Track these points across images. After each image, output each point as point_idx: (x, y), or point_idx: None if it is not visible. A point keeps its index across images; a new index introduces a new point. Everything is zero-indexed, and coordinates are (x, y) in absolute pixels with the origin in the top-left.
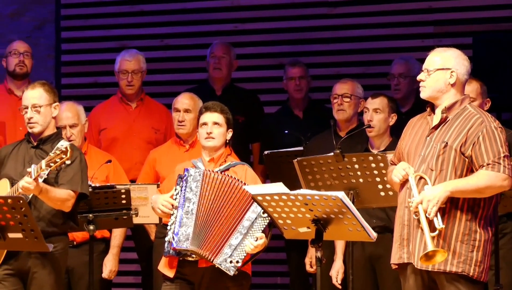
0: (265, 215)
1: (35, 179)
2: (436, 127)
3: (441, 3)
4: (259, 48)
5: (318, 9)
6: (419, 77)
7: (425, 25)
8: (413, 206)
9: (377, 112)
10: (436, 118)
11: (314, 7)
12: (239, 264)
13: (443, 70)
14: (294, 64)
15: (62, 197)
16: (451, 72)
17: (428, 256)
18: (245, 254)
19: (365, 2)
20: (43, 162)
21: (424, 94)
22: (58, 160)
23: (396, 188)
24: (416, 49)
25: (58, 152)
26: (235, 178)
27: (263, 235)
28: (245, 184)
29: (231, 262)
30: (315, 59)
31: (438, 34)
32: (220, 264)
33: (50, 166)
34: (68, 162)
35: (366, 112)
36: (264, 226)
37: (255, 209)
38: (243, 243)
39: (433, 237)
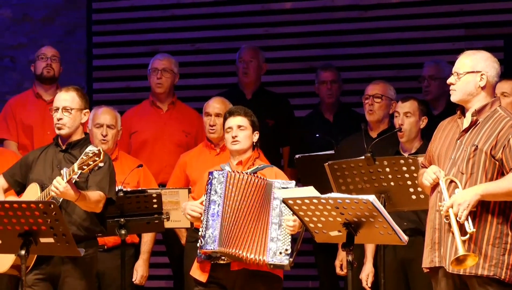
0: None
1: (68, 182)
2: (466, 130)
3: (472, 6)
4: (289, 52)
5: (349, 12)
6: (449, 81)
7: (456, 28)
8: (443, 210)
9: (407, 116)
10: (466, 121)
11: (345, 11)
12: (289, 252)
13: (473, 73)
14: (326, 68)
15: (96, 199)
16: (481, 74)
17: (459, 260)
18: (289, 240)
19: (396, 5)
20: (75, 165)
21: (454, 98)
22: (91, 162)
23: (427, 191)
24: (447, 52)
25: (91, 154)
26: (258, 176)
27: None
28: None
29: (280, 253)
30: (346, 62)
31: (469, 37)
32: (272, 260)
33: (83, 169)
34: (101, 164)
35: (396, 116)
36: None
37: (276, 195)
38: (282, 230)
39: (464, 241)
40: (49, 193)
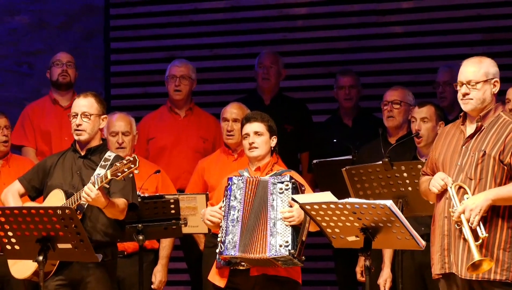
0: (282, 191)
1: (99, 189)
2: (471, 136)
3: (490, 10)
4: (308, 57)
5: (367, 17)
6: (463, 91)
7: (474, 33)
8: (455, 216)
9: (424, 121)
10: (470, 127)
11: (363, 16)
12: (289, 244)
13: (488, 81)
14: (344, 73)
15: (122, 206)
16: (495, 81)
17: (475, 266)
18: (290, 232)
19: (414, 10)
20: (108, 172)
21: (470, 107)
22: (126, 169)
23: (431, 199)
24: (465, 57)
25: (125, 161)
26: (262, 177)
27: (293, 202)
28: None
29: (280, 246)
30: (364, 67)
31: (487, 42)
32: (273, 255)
33: (117, 176)
34: (136, 171)
35: (413, 121)
36: (288, 198)
37: (271, 190)
38: (280, 224)
39: (477, 246)
40: (77, 199)
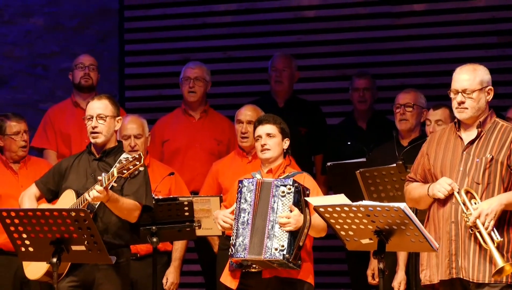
0: (284, 194)
1: (106, 188)
2: (471, 142)
3: (505, 13)
4: (322, 59)
5: (382, 20)
6: (458, 100)
7: (489, 35)
8: (470, 220)
9: (439, 124)
10: (467, 133)
11: (377, 18)
12: (285, 248)
13: (483, 89)
14: (360, 76)
15: (129, 207)
16: (489, 89)
17: (500, 272)
18: (286, 236)
19: (429, 13)
20: (115, 170)
21: (465, 116)
22: (131, 167)
23: (423, 206)
24: (480, 59)
25: (131, 159)
26: (267, 179)
27: (294, 207)
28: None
29: (275, 249)
30: (379, 70)
31: (502, 44)
32: (268, 257)
33: (123, 173)
34: (141, 168)
35: (428, 124)
36: (289, 203)
37: (273, 193)
38: (278, 227)
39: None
40: (85, 199)
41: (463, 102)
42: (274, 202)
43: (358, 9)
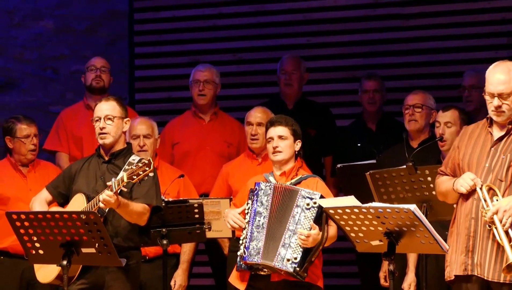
0: (309, 207)
1: (116, 193)
2: (500, 139)
3: None
4: (332, 61)
5: (391, 21)
6: (495, 104)
7: (498, 37)
8: (487, 216)
9: (448, 126)
10: (497, 129)
11: (387, 20)
12: (297, 261)
13: None
14: (369, 77)
15: (139, 210)
16: None
17: (510, 267)
18: (301, 249)
19: (438, 14)
20: (125, 175)
21: (503, 118)
22: (141, 172)
23: (451, 200)
24: (489, 61)
25: (140, 164)
26: (293, 186)
27: (315, 225)
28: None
29: (288, 260)
30: (388, 71)
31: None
32: (278, 265)
33: (133, 179)
34: (151, 174)
35: (437, 126)
36: (312, 217)
37: (299, 203)
38: (295, 239)
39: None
40: (96, 203)
41: (500, 106)
42: (297, 213)
43: (367, 10)
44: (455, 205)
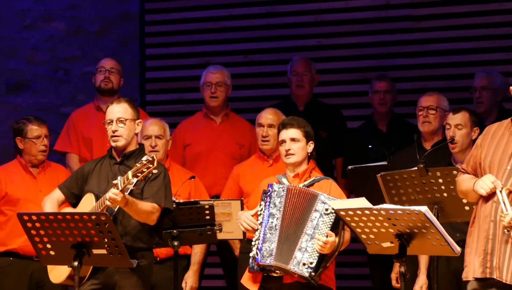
0: (328, 212)
1: (122, 191)
2: None
3: None
4: (343, 63)
5: (403, 23)
6: None
7: (510, 38)
8: (506, 221)
9: (459, 128)
10: None
11: (398, 21)
12: (313, 265)
13: None
14: (380, 78)
15: (147, 209)
16: None
17: None
18: (317, 255)
19: (449, 16)
20: (130, 173)
21: None
22: (145, 169)
23: (471, 199)
24: (500, 62)
25: (144, 162)
26: (311, 190)
27: (332, 233)
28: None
29: (303, 264)
30: (399, 73)
31: None
32: (294, 269)
33: (137, 176)
34: (155, 171)
35: (448, 128)
36: (330, 223)
37: (317, 207)
38: (312, 243)
39: None
40: (103, 203)
41: None
42: (315, 217)
43: (378, 12)
44: (474, 206)
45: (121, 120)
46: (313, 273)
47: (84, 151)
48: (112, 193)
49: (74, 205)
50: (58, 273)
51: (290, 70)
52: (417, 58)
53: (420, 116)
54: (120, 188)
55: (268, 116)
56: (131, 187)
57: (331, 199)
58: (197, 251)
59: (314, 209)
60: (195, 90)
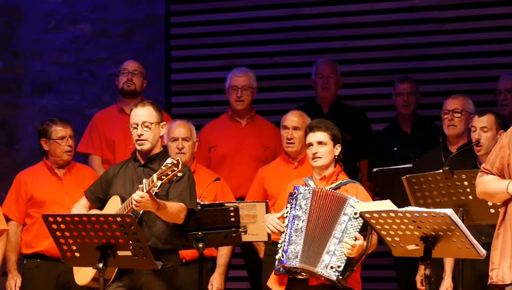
0: (357, 216)
1: (148, 192)
2: None
3: None
4: (368, 65)
5: (429, 25)
6: None
7: None
8: None
9: (484, 131)
10: None
11: (424, 24)
12: (341, 269)
13: None
14: (403, 80)
15: (177, 209)
16: None
17: None
18: (345, 258)
19: (475, 18)
20: (155, 176)
21: None
22: (170, 173)
23: (497, 200)
24: None
25: (169, 165)
26: (340, 193)
27: (360, 236)
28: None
29: (331, 267)
30: (425, 75)
31: None
32: (322, 272)
33: (162, 179)
34: (180, 174)
35: (473, 130)
36: (358, 227)
37: (346, 211)
38: (341, 247)
39: None
40: (129, 205)
41: None
42: (344, 221)
43: (404, 14)
44: (499, 209)
45: (146, 125)
46: (340, 277)
47: (106, 153)
48: (138, 195)
49: (100, 209)
50: (83, 275)
51: (315, 72)
52: (442, 60)
53: (445, 119)
54: (145, 190)
55: (293, 118)
56: (156, 189)
57: (359, 203)
58: (223, 253)
59: (343, 212)
60: (220, 92)
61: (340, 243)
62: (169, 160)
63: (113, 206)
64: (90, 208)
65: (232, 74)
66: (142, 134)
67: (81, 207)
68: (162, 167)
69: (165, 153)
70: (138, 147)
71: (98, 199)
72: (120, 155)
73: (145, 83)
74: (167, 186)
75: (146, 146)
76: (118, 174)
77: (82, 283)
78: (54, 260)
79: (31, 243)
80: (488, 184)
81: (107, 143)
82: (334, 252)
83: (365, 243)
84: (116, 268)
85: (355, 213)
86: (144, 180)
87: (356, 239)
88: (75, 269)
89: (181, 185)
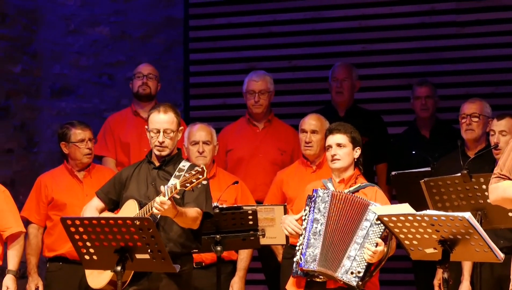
0: (379, 222)
1: (170, 199)
2: None
3: None
4: (387, 68)
5: (447, 29)
6: None
7: None
8: None
9: (503, 134)
10: None
11: (443, 27)
12: (361, 275)
13: None
14: (421, 84)
15: (194, 215)
16: None
17: None
18: (365, 264)
19: (494, 22)
20: (178, 182)
21: None
22: (195, 180)
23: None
24: None
25: (194, 172)
26: (362, 198)
27: (381, 242)
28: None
29: (352, 273)
30: (444, 79)
31: None
32: (342, 277)
33: (186, 187)
34: (204, 182)
35: (492, 134)
36: (380, 233)
37: (368, 217)
38: (361, 252)
39: None
40: (149, 210)
41: None
42: (365, 227)
43: (423, 18)
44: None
45: (168, 132)
46: (360, 283)
47: (121, 156)
48: (160, 201)
49: (112, 210)
50: (97, 279)
51: (331, 75)
52: (461, 64)
53: (463, 123)
54: (167, 196)
55: (311, 122)
56: (178, 196)
57: (377, 206)
58: (243, 257)
59: (365, 218)
60: (239, 96)
61: (361, 248)
62: (183, 163)
63: (130, 209)
64: (102, 209)
65: (249, 78)
66: (163, 142)
67: (92, 207)
68: (184, 173)
69: (179, 155)
70: (157, 153)
71: (111, 201)
72: (135, 158)
73: (159, 86)
74: (182, 191)
75: (166, 152)
76: (132, 176)
77: (97, 286)
78: (76, 263)
79: (52, 246)
80: (509, 189)
81: (122, 145)
82: (354, 258)
83: (385, 249)
84: (132, 272)
85: (377, 220)
86: (165, 186)
87: (377, 245)
88: (87, 272)
89: (197, 189)
